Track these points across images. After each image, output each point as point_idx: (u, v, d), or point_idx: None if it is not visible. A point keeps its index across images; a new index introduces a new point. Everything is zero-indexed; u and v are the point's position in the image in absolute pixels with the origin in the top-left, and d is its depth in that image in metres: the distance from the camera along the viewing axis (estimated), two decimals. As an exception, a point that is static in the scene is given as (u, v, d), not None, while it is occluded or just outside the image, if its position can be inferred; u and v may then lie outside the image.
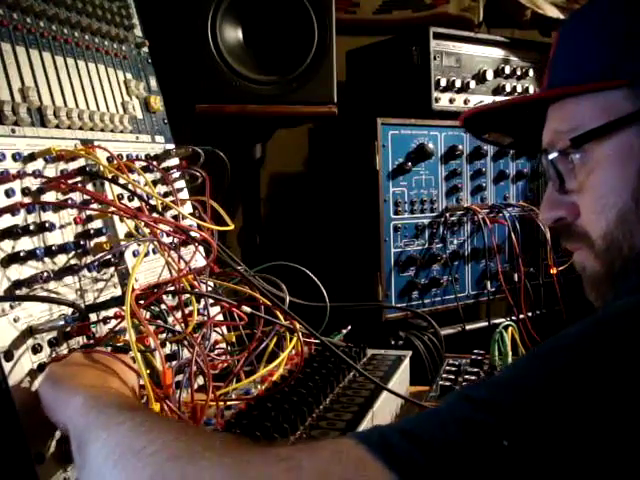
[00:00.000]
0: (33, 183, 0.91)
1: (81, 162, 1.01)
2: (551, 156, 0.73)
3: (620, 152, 0.67)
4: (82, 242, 0.96)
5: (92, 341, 0.92)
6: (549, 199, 0.76)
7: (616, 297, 0.69)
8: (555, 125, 0.74)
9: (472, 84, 1.75)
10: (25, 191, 0.89)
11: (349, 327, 1.30)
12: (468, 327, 1.69)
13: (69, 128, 1.01)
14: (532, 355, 0.58)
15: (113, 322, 0.96)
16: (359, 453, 0.48)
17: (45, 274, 0.87)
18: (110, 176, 1.02)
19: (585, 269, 0.74)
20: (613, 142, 0.67)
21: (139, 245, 1.06)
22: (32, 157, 0.92)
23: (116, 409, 0.67)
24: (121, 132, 1.14)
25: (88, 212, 0.99)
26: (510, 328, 1.27)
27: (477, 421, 0.48)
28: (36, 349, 0.84)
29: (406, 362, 1.18)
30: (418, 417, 0.53)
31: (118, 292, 1.02)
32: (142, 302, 0.91)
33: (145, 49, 1.29)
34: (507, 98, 1.81)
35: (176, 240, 1.10)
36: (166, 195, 1.19)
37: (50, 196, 0.93)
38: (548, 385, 0.50)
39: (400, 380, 1.12)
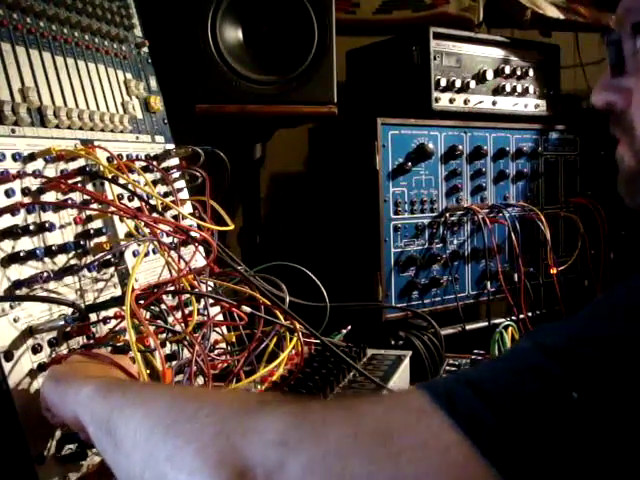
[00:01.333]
0: (33, 183, 0.91)
1: (81, 162, 1.01)
2: (614, 36, 0.68)
3: None
4: (82, 242, 0.96)
5: (92, 341, 0.92)
6: (604, 81, 0.71)
7: None
8: (629, 2, 0.68)
9: (472, 84, 1.75)
10: (25, 191, 0.89)
11: (349, 327, 1.30)
12: (468, 327, 1.68)
13: (69, 128, 1.01)
14: (605, 303, 0.54)
15: (113, 322, 0.96)
16: (422, 402, 0.48)
17: (45, 274, 0.87)
18: (110, 176, 1.02)
19: (623, 162, 0.70)
20: None
21: (139, 245, 1.06)
22: (32, 157, 0.92)
23: (139, 388, 0.66)
24: (121, 132, 1.14)
25: (88, 212, 0.99)
26: (510, 328, 1.28)
27: (544, 371, 0.47)
28: (36, 349, 0.84)
29: (406, 362, 1.18)
30: (486, 366, 0.52)
31: (118, 292, 1.02)
32: (142, 302, 0.91)
33: (145, 49, 1.29)
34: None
35: (176, 240, 1.10)
36: (166, 195, 1.19)
37: (50, 196, 0.93)
38: (622, 336, 0.47)
39: (400, 380, 1.12)
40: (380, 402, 0.51)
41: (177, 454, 0.51)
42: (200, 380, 0.99)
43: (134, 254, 1.07)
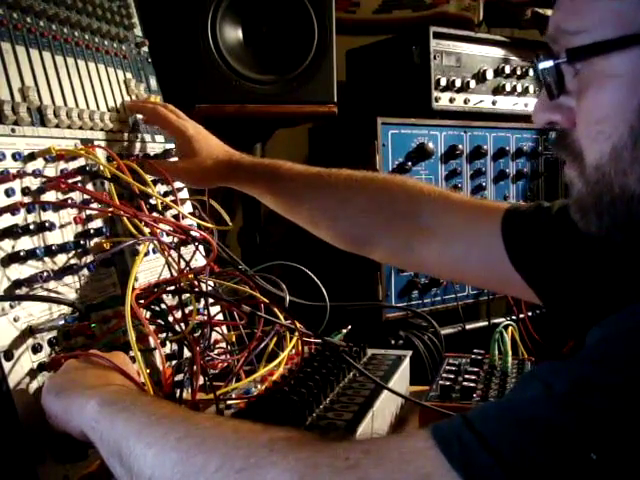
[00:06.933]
0: (33, 183, 0.91)
1: (81, 162, 1.00)
2: (545, 64, 0.62)
3: (625, 75, 0.56)
4: (82, 242, 0.96)
5: (92, 341, 0.92)
6: (543, 102, 0.66)
7: (601, 229, 0.63)
8: (561, 18, 0.62)
9: (472, 84, 1.75)
10: (25, 191, 0.89)
11: (349, 327, 1.30)
12: (468, 327, 1.69)
13: (69, 128, 1.01)
14: (618, 343, 0.50)
15: (113, 322, 0.96)
16: (434, 462, 0.46)
17: (45, 274, 0.87)
18: (110, 176, 1.02)
19: (573, 187, 0.65)
20: (619, 60, 0.56)
21: (139, 245, 1.06)
22: (32, 157, 0.92)
23: (140, 412, 0.66)
24: (121, 132, 1.14)
25: (88, 212, 0.99)
26: (510, 328, 1.27)
27: (559, 427, 0.44)
28: (36, 349, 0.84)
29: (406, 362, 1.18)
30: (496, 416, 0.49)
31: (118, 292, 1.02)
32: (142, 302, 0.91)
33: (145, 49, 1.28)
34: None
35: (176, 239, 1.10)
36: (166, 194, 1.19)
37: (50, 196, 0.93)
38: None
39: (400, 380, 1.11)
40: (387, 459, 0.49)
41: None
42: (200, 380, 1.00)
43: (134, 254, 1.07)
